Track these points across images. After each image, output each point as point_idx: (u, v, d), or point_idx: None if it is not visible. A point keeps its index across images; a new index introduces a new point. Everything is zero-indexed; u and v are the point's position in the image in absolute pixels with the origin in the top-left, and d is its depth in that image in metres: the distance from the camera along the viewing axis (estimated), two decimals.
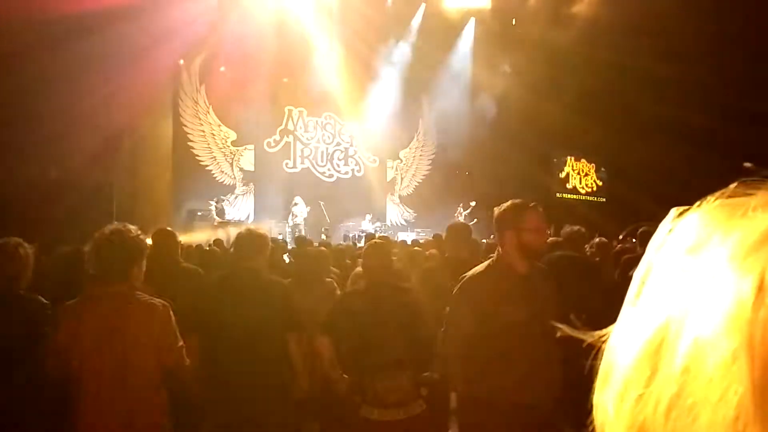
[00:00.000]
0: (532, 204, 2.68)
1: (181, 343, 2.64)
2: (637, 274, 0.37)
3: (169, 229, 4.28)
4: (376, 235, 10.01)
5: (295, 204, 14.86)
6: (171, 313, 2.62)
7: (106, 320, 2.53)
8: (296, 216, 14.72)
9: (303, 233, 13.79)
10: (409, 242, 10.81)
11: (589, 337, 0.41)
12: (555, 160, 20.96)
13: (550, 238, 6.55)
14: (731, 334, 0.29)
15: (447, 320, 2.70)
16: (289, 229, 14.25)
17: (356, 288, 3.40)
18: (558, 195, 20.74)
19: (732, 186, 0.37)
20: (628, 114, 16.52)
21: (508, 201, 2.75)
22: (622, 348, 0.36)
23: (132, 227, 2.66)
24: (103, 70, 12.75)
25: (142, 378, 2.56)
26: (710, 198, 0.37)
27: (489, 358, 2.62)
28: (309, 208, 14.97)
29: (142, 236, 2.67)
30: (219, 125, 15.69)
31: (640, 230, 5.11)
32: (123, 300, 2.56)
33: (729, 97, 16.58)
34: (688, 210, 0.60)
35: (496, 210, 2.74)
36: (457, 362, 2.62)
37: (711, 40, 13.06)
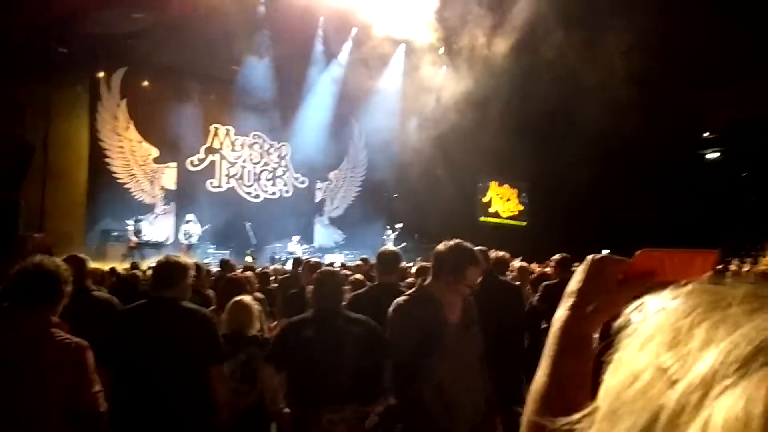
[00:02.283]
0: (477, 260, 2.68)
1: (97, 387, 2.45)
2: (607, 364, 0.34)
3: (80, 255, 4.02)
4: (302, 258, 9.87)
5: (188, 221, 13.97)
6: (88, 354, 2.43)
7: (12, 353, 2.33)
8: (191, 235, 13.77)
9: (194, 253, 12.96)
10: (337, 265, 10.75)
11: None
12: (479, 184, 21.63)
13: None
14: None
15: (389, 344, 2.70)
16: (183, 249, 13.22)
17: (304, 316, 3.26)
18: (481, 219, 21.36)
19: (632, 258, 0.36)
20: (551, 142, 17.33)
21: (453, 241, 2.73)
22: None
23: (60, 262, 2.51)
24: (16, 81, 12.02)
25: (46, 421, 2.36)
26: (681, 283, 0.34)
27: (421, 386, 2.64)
28: (208, 226, 14.15)
29: (67, 273, 2.51)
30: (140, 141, 15.08)
31: (561, 257, 5.30)
32: (36, 334, 2.37)
33: (652, 127, 17.81)
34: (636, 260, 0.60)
35: (442, 248, 2.72)
36: (407, 383, 2.61)
37: (639, 68, 13.98)
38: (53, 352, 2.36)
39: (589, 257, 0.63)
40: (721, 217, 19.04)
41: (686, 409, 0.27)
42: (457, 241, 2.73)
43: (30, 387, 2.33)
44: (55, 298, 2.44)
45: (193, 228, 13.80)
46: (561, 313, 0.62)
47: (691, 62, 16.94)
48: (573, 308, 0.59)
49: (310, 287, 4.42)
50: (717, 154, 22.13)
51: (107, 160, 14.59)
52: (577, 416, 0.34)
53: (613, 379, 0.32)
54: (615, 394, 0.31)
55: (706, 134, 22.07)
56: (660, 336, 0.31)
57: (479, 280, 4.75)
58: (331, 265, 8.85)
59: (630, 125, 15.93)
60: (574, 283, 0.62)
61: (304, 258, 8.35)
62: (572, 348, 0.59)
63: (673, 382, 0.29)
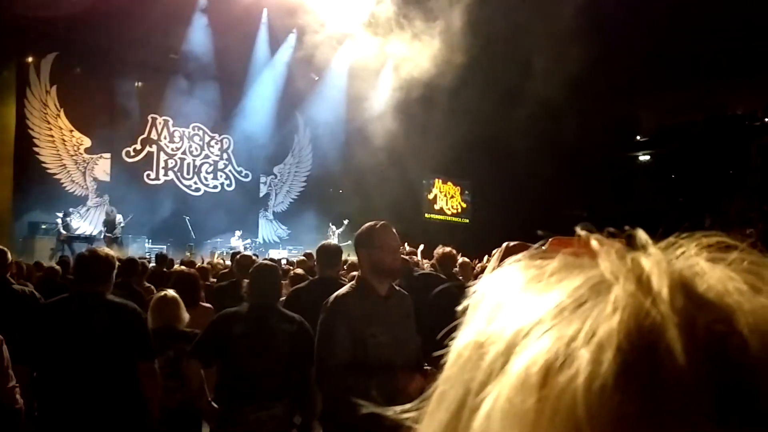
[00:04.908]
0: (382, 223, 2.73)
1: (13, 383, 2.31)
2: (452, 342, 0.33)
3: None
4: (241, 252, 9.69)
5: (107, 212, 13.05)
6: (2, 349, 2.28)
7: None
8: (114, 227, 12.69)
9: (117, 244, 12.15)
10: (282, 260, 10.58)
11: (391, 413, 0.36)
12: (424, 181, 21.82)
13: (420, 260, 6.73)
14: (511, 426, 0.26)
15: (321, 340, 2.64)
16: (106, 241, 12.19)
17: (236, 309, 3.16)
18: (426, 215, 21.57)
19: (544, 246, 0.36)
20: (493, 140, 17.67)
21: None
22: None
23: None
24: None
25: None
26: (515, 258, 0.34)
27: (357, 382, 2.59)
28: (131, 216, 13.32)
29: None
30: (71, 130, 14.37)
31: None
32: None
33: (591, 128, 18.45)
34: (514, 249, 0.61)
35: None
36: (337, 381, 2.56)
37: (578, 72, 14.40)
38: None
39: (504, 244, 0.64)
40: (651, 217, 19.96)
41: (491, 377, 0.28)
42: None
43: None
44: None
45: (115, 219, 12.98)
46: None
47: (626, 69, 17.67)
48: None
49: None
50: (648, 157, 23.17)
51: (36, 149, 13.84)
52: (416, 401, 0.34)
53: (447, 360, 0.33)
54: (444, 375, 0.32)
55: (638, 137, 23.08)
56: (483, 312, 0.31)
57: (420, 274, 4.79)
58: (275, 260, 8.70)
59: (567, 127, 16.46)
60: (490, 270, 0.64)
61: (241, 252, 8.17)
62: None
63: (484, 353, 0.29)
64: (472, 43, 14.78)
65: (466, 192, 23.43)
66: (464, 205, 23.41)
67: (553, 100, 14.81)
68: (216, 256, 13.08)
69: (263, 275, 3.20)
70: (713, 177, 19.64)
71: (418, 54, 15.69)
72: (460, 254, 8.09)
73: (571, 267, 0.30)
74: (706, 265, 0.29)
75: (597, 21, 14.11)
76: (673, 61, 16.90)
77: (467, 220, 23.02)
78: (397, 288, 2.86)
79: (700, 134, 20.12)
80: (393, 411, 0.36)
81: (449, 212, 22.87)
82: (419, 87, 15.73)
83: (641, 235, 0.32)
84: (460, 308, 0.34)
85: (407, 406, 0.35)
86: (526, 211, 19.07)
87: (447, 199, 22.92)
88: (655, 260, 0.29)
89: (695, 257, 0.30)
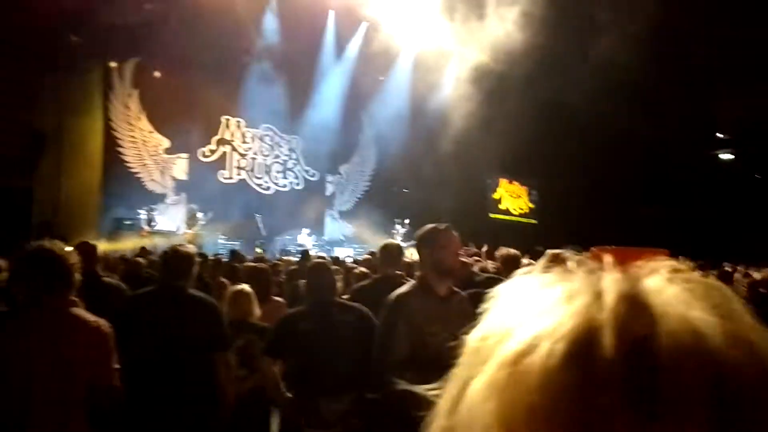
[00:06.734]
0: (444, 225, 2.84)
1: (117, 365, 2.53)
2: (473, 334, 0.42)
3: (89, 241, 4.08)
4: (310, 251, 9.95)
5: (190, 210, 13.83)
6: (111, 333, 2.50)
7: (38, 336, 2.38)
8: (194, 224, 13.45)
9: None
10: (347, 258, 10.79)
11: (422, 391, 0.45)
12: (489, 181, 21.53)
13: (488, 263, 6.70)
14: (490, 399, 0.34)
15: (380, 337, 2.72)
16: (188, 237, 12.78)
17: (300, 308, 3.36)
18: (491, 215, 21.29)
19: (547, 259, 0.44)
20: (560, 141, 17.23)
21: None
22: (438, 406, 0.40)
23: (60, 244, 2.54)
24: (29, 68, 12.14)
25: (69, 396, 2.41)
26: (529, 269, 0.43)
27: (413, 379, 2.64)
28: (211, 214, 13.90)
29: (74, 255, 2.54)
30: (151, 132, 15.15)
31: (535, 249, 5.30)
32: (60, 316, 2.42)
33: (669, 125, 17.68)
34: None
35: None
36: (394, 377, 2.63)
37: (653, 68, 13.85)
38: (79, 330, 2.41)
39: (548, 252, 0.70)
40: (731, 218, 18.89)
41: (486, 361, 0.37)
42: None
43: (62, 363, 2.38)
44: (72, 280, 2.48)
45: (196, 215, 13.72)
46: None
47: (707, 62, 16.76)
48: None
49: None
50: (730, 155, 21.91)
51: (120, 149, 14.68)
52: (440, 382, 0.42)
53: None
54: (460, 360, 0.40)
55: (719, 135, 21.84)
56: (494, 313, 0.40)
57: (486, 277, 4.77)
58: (337, 259, 8.87)
59: (644, 124, 15.81)
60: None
61: (310, 251, 8.37)
62: None
63: (486, 344, 0.38)
64: (543, 36, 14.44)
65: (533, 192, 22.94)
66: (531, 206, 22.94)
67: (627, 95, 14.28)
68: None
69: (320, 273, 3.36)
70: None
71: (483, 50, 15.52)
72: (527, 255, 7.97)
73: (561, 280, 0.39)
74: (662, 284, 0.37)
75: (676, 11, 13.47)
76: (757, 54, 15.87)
77: (534, 221, 22.56)
78: (456, 290, 2.91)
79: None
80: (423, 389, 0.46)
81: (515, 212, 22.49)
82: (484, 84, 15.56)
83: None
84: (480, 309, 0.43)
85: (434, 384, 0.44)
86: (598, 212, 18.50)
87: (513, 199, 22.53)
88: (612, 279, 0.38)
89: (657, 277, 0.38)
